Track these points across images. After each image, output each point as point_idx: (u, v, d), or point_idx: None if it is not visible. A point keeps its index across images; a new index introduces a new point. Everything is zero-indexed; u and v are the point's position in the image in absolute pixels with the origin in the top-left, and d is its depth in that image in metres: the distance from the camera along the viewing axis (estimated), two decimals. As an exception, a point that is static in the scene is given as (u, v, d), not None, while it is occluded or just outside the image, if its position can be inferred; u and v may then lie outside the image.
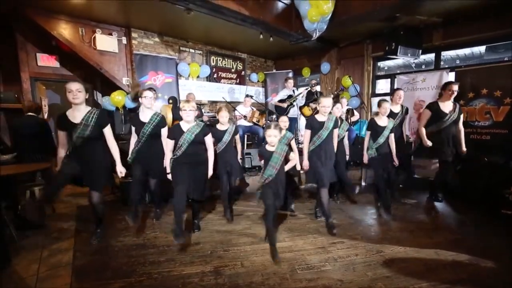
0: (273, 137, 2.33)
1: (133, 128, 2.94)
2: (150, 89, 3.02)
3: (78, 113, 2.35)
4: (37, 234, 2.78)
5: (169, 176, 2.65)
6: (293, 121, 5.16)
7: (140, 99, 2.92)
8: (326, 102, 2.83)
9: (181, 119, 2.65)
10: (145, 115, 2.88)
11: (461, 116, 3.40)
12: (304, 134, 3.00)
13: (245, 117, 5.00)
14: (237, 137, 3.29)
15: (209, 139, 2.70)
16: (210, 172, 2.73)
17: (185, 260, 2.26)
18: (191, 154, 2.56)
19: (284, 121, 3.21)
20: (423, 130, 3.49)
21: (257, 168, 4.39)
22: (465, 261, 2.24)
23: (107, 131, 2.50)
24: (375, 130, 3.31)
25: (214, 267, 2.17)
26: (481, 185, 3.40)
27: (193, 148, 2.56)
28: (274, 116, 5.36)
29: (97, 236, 2.60)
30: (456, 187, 3.71)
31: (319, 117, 2.92)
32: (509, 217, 3.02)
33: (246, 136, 5.43)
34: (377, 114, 3.36)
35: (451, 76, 4.53)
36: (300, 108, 5.26)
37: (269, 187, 2.38)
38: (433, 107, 3.44)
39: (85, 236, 2.69)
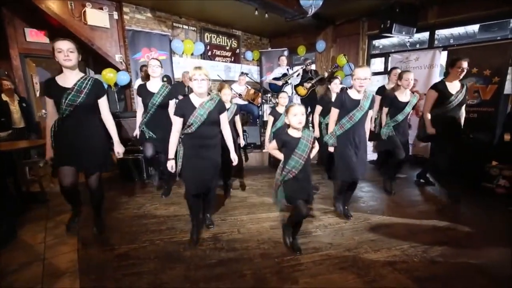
0: (300, 116, 1.81)
1: (139, 99, 2.82)
2: (154, 59, 2.89)
3: (70, 78, 1.98)
4: (40, 208, 2.87)
5: (170, 164, 2.12)
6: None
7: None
8: (363, 73, 2.20)
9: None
10: (152, 85, 2.80)
11: (466, 98, 3.03)
12: (331, 113, 2.44)
13: (240, 95, 5.02)
14: (237, 117, 3.21)
15: (224, 118, 2.23)
16: (235, 158, 2.32)
17: (185, 229, 2.40)
18: (202, 137, 2.08)
19: (284, 97, 3.23)
20: (429, 116, 3.09)
21: (252, 145, 4.48)
22: (445, 227, 2.44)
23: (103, 102, 2.15)
24: (396, 106, 2.97)
25: (212, 233, 2.32)
26: (466, 161, 3.56)
27: (205, 129, 2.06)
28: (269, 95, 5.38)
29: (98, 227, 2.35)
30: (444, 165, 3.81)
31: (353, 94, 2.34)
32: (488, 189, 3.28)
33: (240, 114, 5.47)
34: (396, 87, 2.92)
35: (443, 55, 4.59)
36: (295, 87, 5.27)
37: (295, 182, 1.90)
38: (440, 87, 3.06)
39: (87, 209, 2.73)
